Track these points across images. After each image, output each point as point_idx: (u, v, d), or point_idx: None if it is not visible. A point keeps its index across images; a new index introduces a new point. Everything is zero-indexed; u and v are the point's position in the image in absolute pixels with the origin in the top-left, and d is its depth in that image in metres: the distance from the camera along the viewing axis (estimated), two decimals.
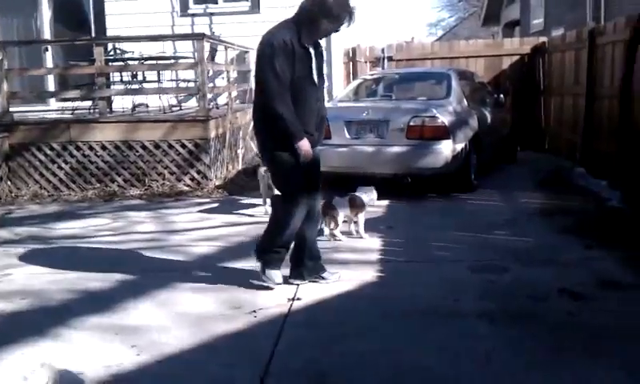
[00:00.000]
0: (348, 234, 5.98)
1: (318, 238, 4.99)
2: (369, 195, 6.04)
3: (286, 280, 4.65)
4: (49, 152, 8.78)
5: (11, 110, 9.05)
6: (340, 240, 5.86)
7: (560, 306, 4.16)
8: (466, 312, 4.09)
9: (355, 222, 5.99)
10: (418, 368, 3.37)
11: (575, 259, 5.16)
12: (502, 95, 10.23)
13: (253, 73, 10.67)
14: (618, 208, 6.73)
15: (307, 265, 4.69)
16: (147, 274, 5.11)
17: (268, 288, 4.54)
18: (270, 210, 6.99)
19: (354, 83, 9.76)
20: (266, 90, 4.28)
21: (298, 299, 4.40)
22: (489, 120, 9.11)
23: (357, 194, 6.01)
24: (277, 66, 4.17)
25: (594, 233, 5.82)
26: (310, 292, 4.53)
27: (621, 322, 3.88)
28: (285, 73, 4.20)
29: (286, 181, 4.51)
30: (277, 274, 4.57)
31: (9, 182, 8.77)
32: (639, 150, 7.19)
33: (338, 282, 4.72)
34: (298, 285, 4.63)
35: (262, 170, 6.89)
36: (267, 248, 4.58)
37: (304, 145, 4.30)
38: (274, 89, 4.22)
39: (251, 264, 4.81)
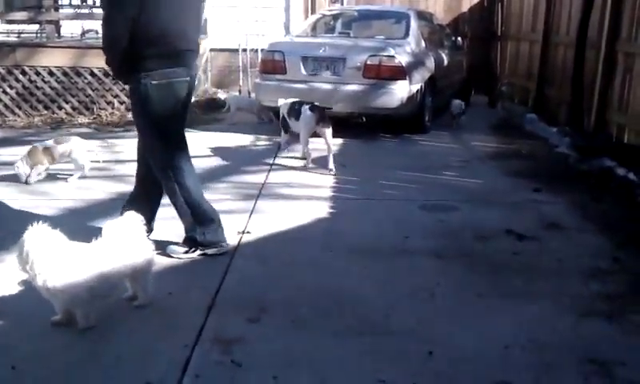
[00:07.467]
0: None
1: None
2: None
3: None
4: None
5: None
6: None
7: (506, 245, 4.25)
8: (413, 249, 4.14)
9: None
10: (356, 300, 3.40)
11: (523, 202, 5.27)
12: (459, 38, 10.22)
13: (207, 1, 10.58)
14: (566, 154, 6.87)
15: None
16: (94, 203, 4.99)
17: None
18: None
19: (312, 18, 9.58)
20: None
21: (248, 233, 4.38)
22: (445, 62, 9.09)
23: None
24: None
25: (542, 177, 5.95)
26: (260, 226, 4.51)
27: (559, 261, 3.99)
28: None
29: None
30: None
31: None
32: (589, 99, 7.32)
33: (287, 216, 4.69)
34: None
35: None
36: None
37: None
38: None
39: None
